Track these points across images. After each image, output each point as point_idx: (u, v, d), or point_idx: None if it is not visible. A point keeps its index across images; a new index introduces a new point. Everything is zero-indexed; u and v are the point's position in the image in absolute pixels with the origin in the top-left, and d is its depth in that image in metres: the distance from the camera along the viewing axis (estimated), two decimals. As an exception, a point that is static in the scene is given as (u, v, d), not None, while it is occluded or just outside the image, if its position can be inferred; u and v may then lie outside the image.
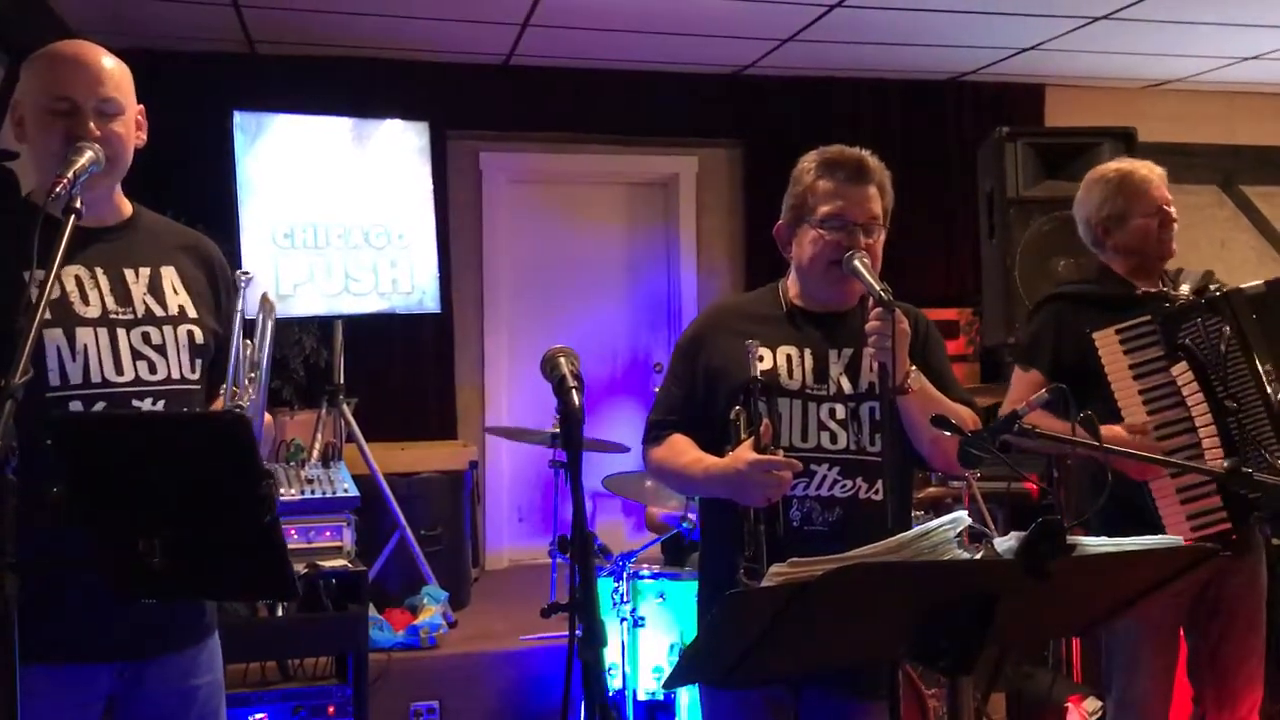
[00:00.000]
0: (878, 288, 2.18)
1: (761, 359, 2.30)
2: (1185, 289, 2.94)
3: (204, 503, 1.54)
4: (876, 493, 2.29)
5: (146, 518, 1.53)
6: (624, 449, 4.51)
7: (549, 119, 6.25)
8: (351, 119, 5.09)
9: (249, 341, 2.12)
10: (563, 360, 1.70)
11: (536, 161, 6.47)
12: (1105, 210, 3.05)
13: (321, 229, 4.92)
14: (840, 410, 2.31)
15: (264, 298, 2.20)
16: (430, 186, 5.19)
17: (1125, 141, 4.57)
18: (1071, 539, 1.43)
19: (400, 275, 5.07)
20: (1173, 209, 3.05)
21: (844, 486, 2.28)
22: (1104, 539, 1.52)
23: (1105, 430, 2.77)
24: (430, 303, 5.18)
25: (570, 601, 1.46)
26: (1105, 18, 5.30)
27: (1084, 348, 2.88)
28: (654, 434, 2.45)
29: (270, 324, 2.15)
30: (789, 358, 2.34)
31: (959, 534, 1.49)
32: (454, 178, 6.16)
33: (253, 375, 2.05)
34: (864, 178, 2.33)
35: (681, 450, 2.38)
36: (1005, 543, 1.50)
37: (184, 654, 2.12)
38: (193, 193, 4.85)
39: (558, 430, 4.53)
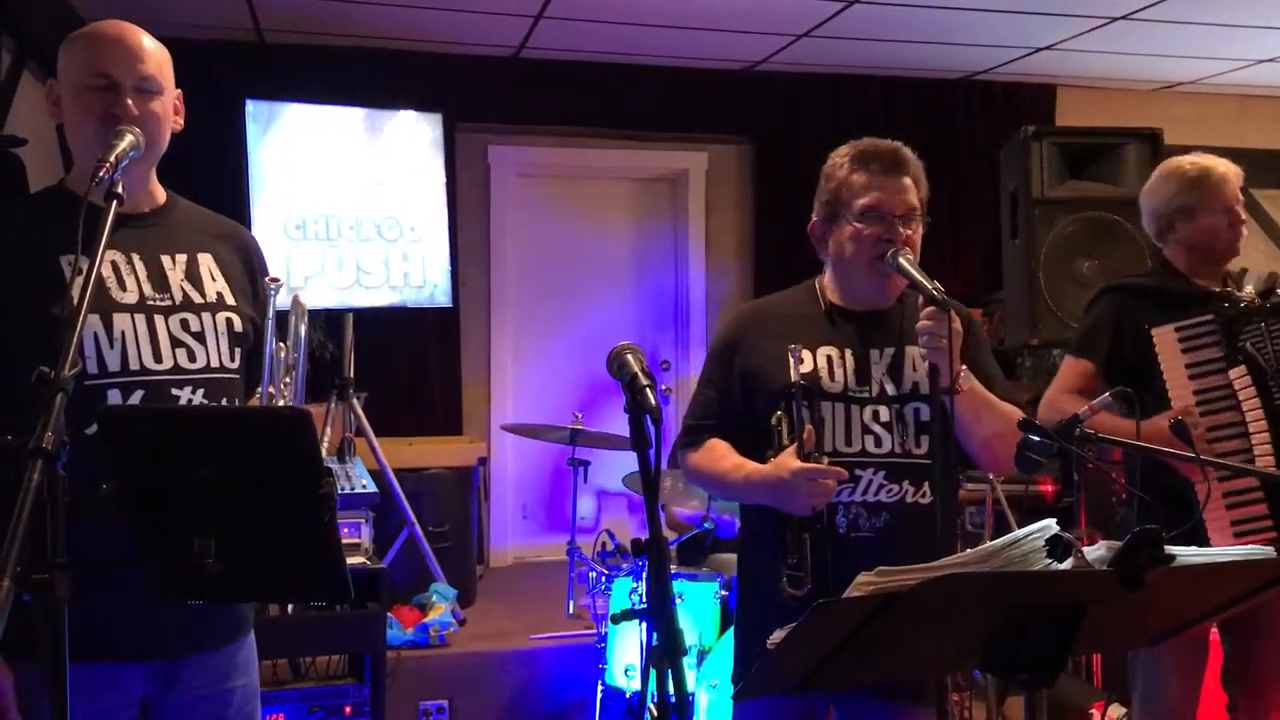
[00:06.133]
0: (929, 285, 2.12)
1: (802, 361, 2.24)
2: (1249, 290, 2.87)
3: (262, 501, 1.48)
4: (924, 496, 2.24)
5: (201, 517, 1.47)
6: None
7: (558, 113, 6.18)
8: (364, 109, 5.03)
9: (282, 345, 2.09)
10: (630, 358, 1.63)
11: (545, 156, 6.40)
12: (1177, 202, 3.00)
13: (333, 221, 4.87)
14: (884, 412, 2.26)
15: (295, 300, 2.17)
16: (443, 179, 5.14)
17: (1151, 143, 4.53)
18: (1169, 549, 1.38)
19: (412, 269, 5.01)
20: (1243, 210, 3.00)
21: (890, 491, 2.23)
22: (1195, 548, 1.47)
23: (1147, 423, 2.73)
24: (442, 297, 5.13)
25: (647, 608, 1.40)
26: (1124, 18, 5.27)
27: (1142, 342, 2.84)
28: (690, 438, 2.39)
29: (304, 327, 2.13)
30: (829, 359, 2.28)
31: (1048, 541, 1.44)
32: (462, 171, 6.09)
33: (287, 380, 2.02)
34: (900, 169, 2.29)
35: (721, 455, 2.33)
36: (1095, 551, 1.45)
37: (220, 653, 2.07)
38: (204, 183, 4.75)
39: (576, 428, 4.49)
